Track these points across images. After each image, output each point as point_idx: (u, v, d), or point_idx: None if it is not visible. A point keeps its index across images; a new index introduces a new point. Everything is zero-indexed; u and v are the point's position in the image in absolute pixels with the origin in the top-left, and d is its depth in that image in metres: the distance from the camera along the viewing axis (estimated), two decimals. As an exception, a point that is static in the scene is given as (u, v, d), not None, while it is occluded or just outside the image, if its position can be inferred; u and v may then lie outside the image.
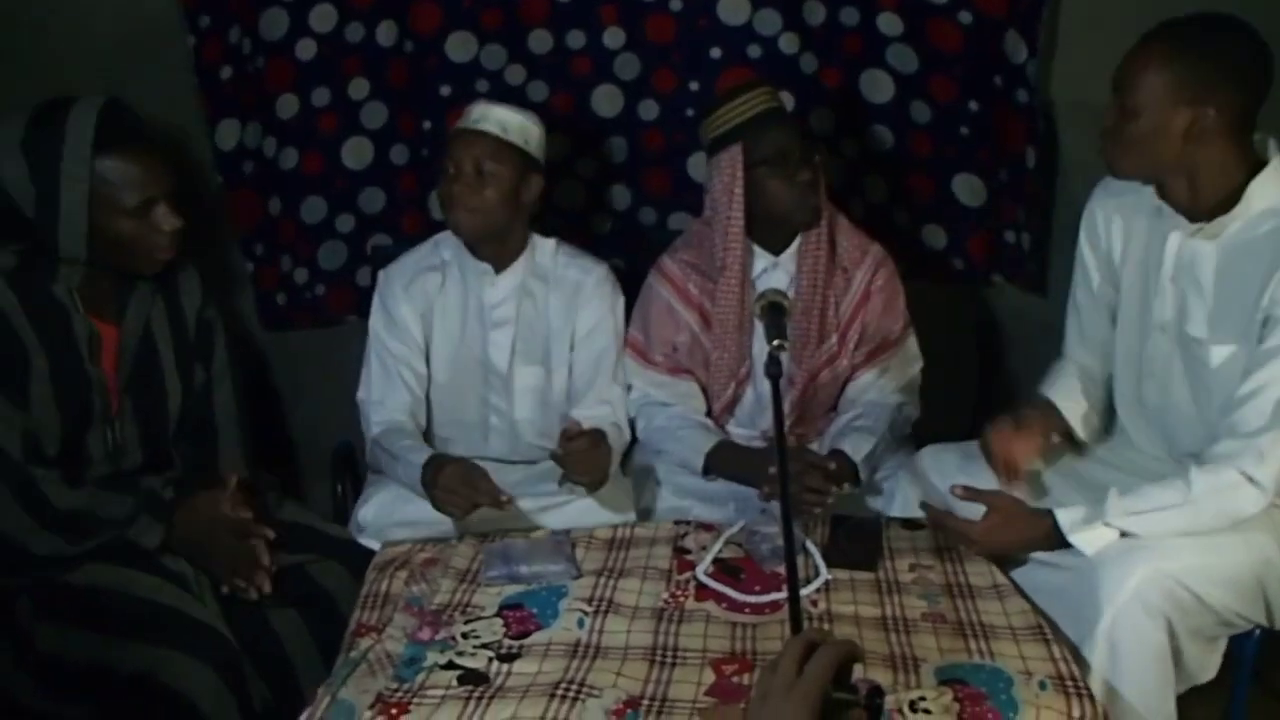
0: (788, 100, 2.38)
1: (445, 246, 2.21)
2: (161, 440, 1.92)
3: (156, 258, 1.82)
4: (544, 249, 2.21)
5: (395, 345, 2.16)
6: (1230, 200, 1.67)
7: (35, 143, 1.70)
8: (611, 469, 2.05)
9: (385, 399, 2.15)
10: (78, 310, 1.77)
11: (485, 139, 2.05)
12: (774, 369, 1.57)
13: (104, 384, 1.81)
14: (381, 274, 2.23)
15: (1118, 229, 1.89)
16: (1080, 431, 1.95)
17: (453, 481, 1.86)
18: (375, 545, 1.94)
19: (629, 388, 2.26)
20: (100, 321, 1.82)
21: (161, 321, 1.91)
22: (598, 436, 1.95)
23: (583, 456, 1.91)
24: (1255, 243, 1.66)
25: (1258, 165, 1.67)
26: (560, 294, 2.20)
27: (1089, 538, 1.66)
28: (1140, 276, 1.84)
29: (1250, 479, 1.61)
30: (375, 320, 2.19)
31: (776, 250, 2.16)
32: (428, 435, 2.23)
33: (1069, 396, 1.95)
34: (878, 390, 2.23)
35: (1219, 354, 1.71)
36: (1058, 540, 1.69)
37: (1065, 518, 1.69)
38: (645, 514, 2.14)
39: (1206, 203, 1.69)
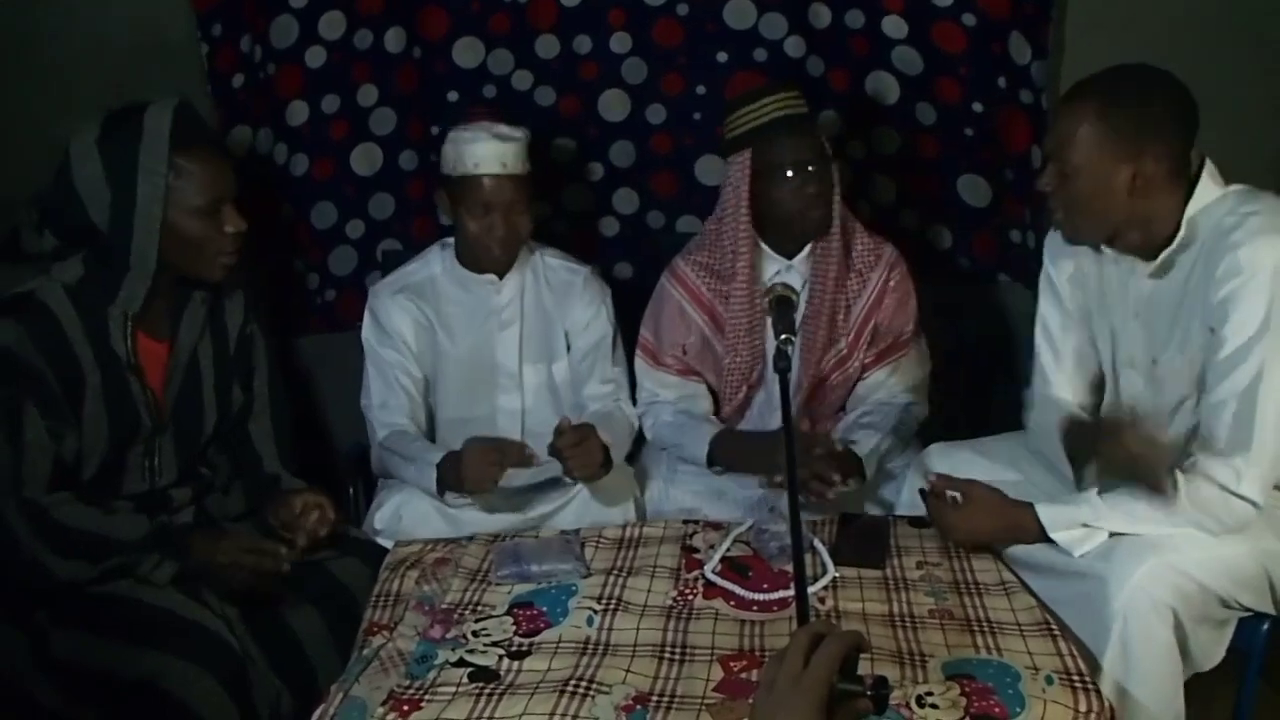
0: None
1: (435, 261, 2.26)
2: (195, 456, 1.93)
3: (221, 261, 1.82)
4: (535, 249, 2.28)
5: (389, 354, 2.20)
6: (1172, 235, 1.69)
7: (113, 142, 1.71)
8: (616, 454, 2.11)
9: (387, 402, 2.19)
10: (128, 335, 1.77)
11: (514, 182, 2.09)
12: (781, 363, 1.58)
13: (153, 403, 1.82)
14: (371, 289, 2.27)
15: (1074, 278, 1.89)
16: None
17: (475, 458, 1.94)
18: (390, 545, 1.97)
19: (636, 384, 2.31)
20: (153, 340, 1.83)
21: (206, 338, 1.92)
22: (586, 429, 2.01)
23: (573, 451, 1.97)
24: (1198, 263, 1.68)
25: (1192, 188, 1.68)
26: (554, 293, 2.26)
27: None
28: (1105, 318, 1.86)
29: (1236, 495, 1.61)
30: (367, 333, 2.24)
31: (789, 254, 2.17)
32: (433, 441, 2.26)
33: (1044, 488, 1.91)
34: (887, 390, 2.25)
35: (1188, 371, 1.72)
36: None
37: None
38: (646, 513, 2.17)
39: (1158, 243, 1.71)
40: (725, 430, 2.21)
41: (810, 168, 2.06)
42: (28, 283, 1.73)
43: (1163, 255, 1.70)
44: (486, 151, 2.07)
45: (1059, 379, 1.94)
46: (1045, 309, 1.95)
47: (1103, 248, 1.79)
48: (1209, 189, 1.68)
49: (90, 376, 1.73)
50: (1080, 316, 1.92)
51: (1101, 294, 1.86)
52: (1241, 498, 1.61)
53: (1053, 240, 1.92)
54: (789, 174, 2.05)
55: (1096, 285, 1.86)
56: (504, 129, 2.10)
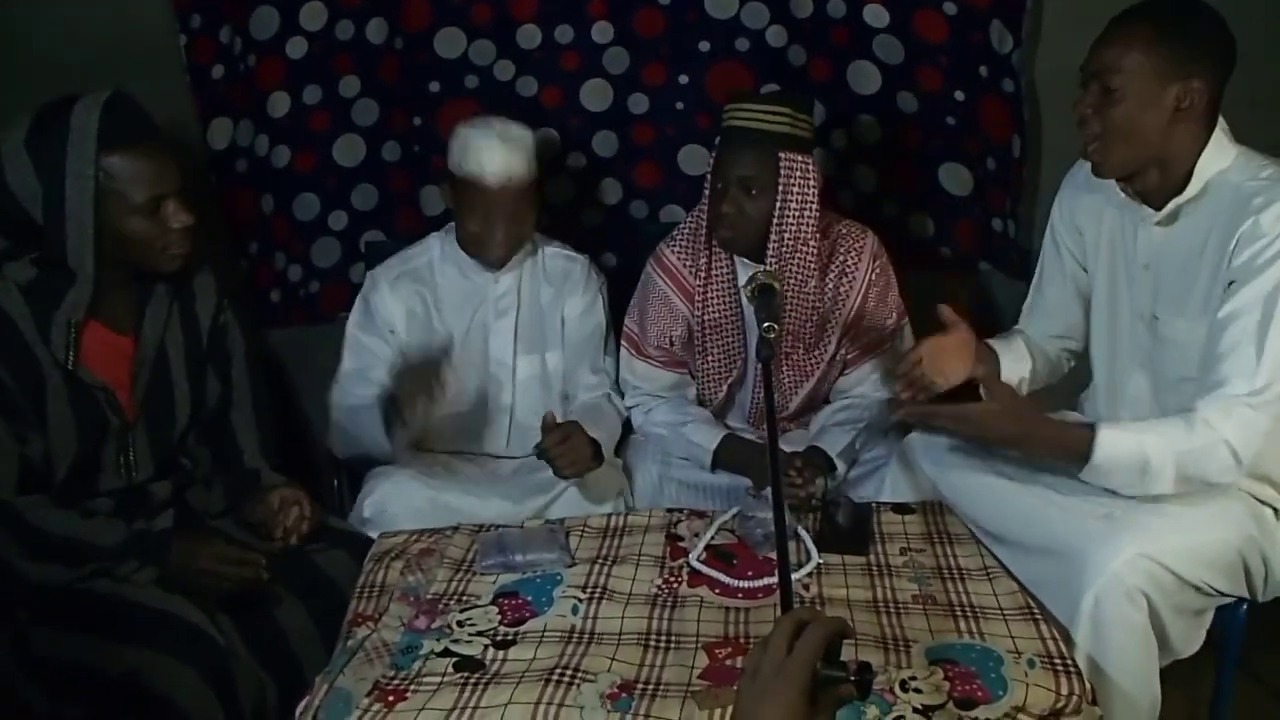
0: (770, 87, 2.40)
1: (435, 246, 2.25)
2: (170, 450, 1.91)
3: (172, 254, 1.78)
4: (538, 242, 2.28)
5: (372, 341, 2.19)
6: (1182, 184, 1.71)
7: (39, 142, 1.67)
8: (605, 448, 2.12)
9: (347, 382, 2.18)
10: (70, 342, 1.73)
11: (517, 188, 2.09)
12: (764, 351, 1.58)
13: (114, 400, 1.79)
14: (369, 275, 2.26)
15: (1089, 218, 1.92)
16: (1012, 371, 1.98)
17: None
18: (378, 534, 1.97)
19: (618, 376, 2.32)
20: (116, 335, 1.80)
21: (175, 330, 1.89)
22: (570, 427, 2.01)
23: (560, 450, 1.98)
24: (1211, 215, 1.69)
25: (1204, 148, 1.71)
26: (550, 282, 2.27)
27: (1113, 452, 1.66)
28: (1112, 268, 1.87)
29: (1229, 445, 1.61)
30: (353, 321, 2.23)
31: (756, 259, 2.13)
32: (422, 435, 2.26)
33: (1009, 353, 2.01)
34: (870, 384, 2.25)
35: (1194, 335, 1.72)
36: (1074, 451, 1.68)
37: (1109, 436, 1.67)
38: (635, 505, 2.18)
39: (1171, 187, 1.72)
40: (729, 436, 2.20)
41: (732, 188, 2.03)
42: None
43: (1171, 204, 1.72)
44: (492, 158, 2.06)
45: (1031, 316, 2.08)
46: (1044, 248, 2.03)
47: (1118, 189, 1.80)
48: (1223, 146, 1.70)
49: (51, 377, 1.71)
50: (1071, 267, 1.97)
51: (1110, 242, 1.87)
52: (1233, 450, 1.60)
53: (1070, 181, 1.95)
54: (718, 185, 2.05)
55: (1106, 233, 1.87)
56: (513, 130, 2.09)
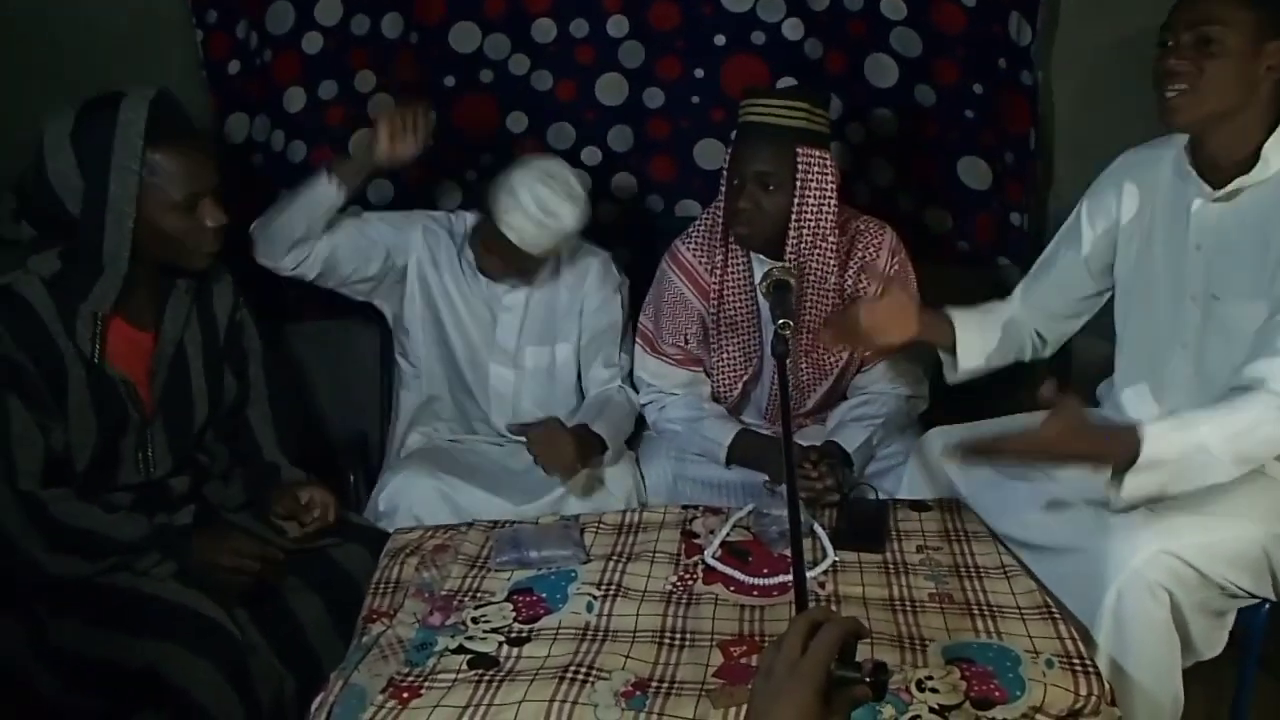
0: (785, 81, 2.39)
1: (463, 228, 2.27)
2: (188, 445, 1.92)
3: (202, 253, 1.81)
4: None
5: (379, 226, 2.22)
6: (1248, 162, 1.68)
7: (86, 134, 1.69)
8: (614, 441, 2.14)
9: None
10: (96, 335, 1.74)
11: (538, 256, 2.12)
12: (780, 347, 1.58)
13: (135, 395, 1.81)
14: (411, 212, 2.32)
15: (1132, 198, 1.88)
16: (960, 359, 1.96)
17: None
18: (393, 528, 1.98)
19: (632, 371, 2.33)
20: (137, 330, 1.82)
21: (193, 327, 1.90)
22: (552, 424, 2.04)
23: (541, 450, 2.01)
24: (1274, 201, 1.66)
25: (1272, 127, 1.68)
26: (568, 275, 2.27)
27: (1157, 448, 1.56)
28: (1163, 246, 1.83)
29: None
30: (382, 215, 2.27)
31: (773, 256, 2.11)
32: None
33: (972, 324, 1.98)
34: (888, 381, 2.24)
35: (1252, 317, 1.68)
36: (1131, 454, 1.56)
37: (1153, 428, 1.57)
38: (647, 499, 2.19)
39: (1233, 162, 1.69)
40: (743, 430, 2.20)
41: (749, 184, 2.01)
42: (4, 275, 1.70)
43: (1234, 184, 1.69)
44: (522, 228, 2.05)
45: (1032, 287, 2.05)
46: (1065, 225, 2.00)
47: (1180, 157, 1.77)
48: None
49: (73, 369, 1.72)
50: (1091, 245, 1.94)
51: (1153, 223, 1.84)
52: None
53: (1123, 162, 1.91)
54: (734, 181, 2.04)
55: (1162, 211, 1.84)
56: (563, 209, 2.05)
